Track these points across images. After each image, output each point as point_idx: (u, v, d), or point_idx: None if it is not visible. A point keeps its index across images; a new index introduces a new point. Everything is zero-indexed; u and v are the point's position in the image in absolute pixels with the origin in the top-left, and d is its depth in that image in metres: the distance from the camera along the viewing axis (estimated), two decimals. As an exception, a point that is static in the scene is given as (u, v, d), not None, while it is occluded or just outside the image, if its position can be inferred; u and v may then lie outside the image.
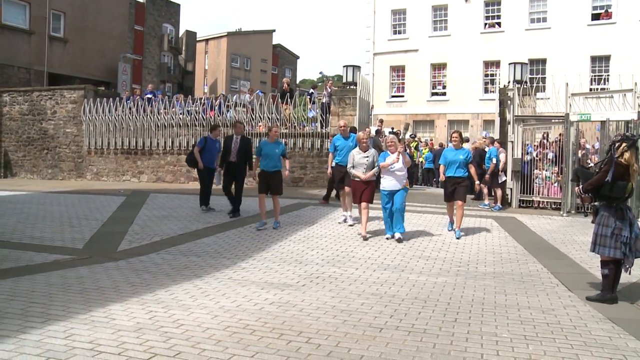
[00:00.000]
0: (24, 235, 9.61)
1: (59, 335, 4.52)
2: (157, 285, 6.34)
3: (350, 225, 10.95)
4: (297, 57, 70.40)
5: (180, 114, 21.19)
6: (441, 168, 10.57)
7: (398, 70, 32.05)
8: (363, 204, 9.80)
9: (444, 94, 31.01)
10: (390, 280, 6.81)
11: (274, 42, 63.80)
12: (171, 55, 45.32)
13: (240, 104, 21.30)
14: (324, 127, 19.06)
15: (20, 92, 24.69)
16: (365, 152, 9.91)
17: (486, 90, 29.59)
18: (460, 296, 6.11)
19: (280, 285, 6.44)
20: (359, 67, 19.52)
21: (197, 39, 54.30)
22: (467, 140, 19.55)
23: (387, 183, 9.55)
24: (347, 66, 19.02)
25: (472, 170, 10.34)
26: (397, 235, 9.44)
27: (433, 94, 31.26)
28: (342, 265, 7.64)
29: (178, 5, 45.59)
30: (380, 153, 10.02)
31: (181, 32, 48.37)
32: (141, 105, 21.74)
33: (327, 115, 19.02)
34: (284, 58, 66.16)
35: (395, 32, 32.09)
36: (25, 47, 27.77)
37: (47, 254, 8.08)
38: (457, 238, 9.79)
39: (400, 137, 10.40)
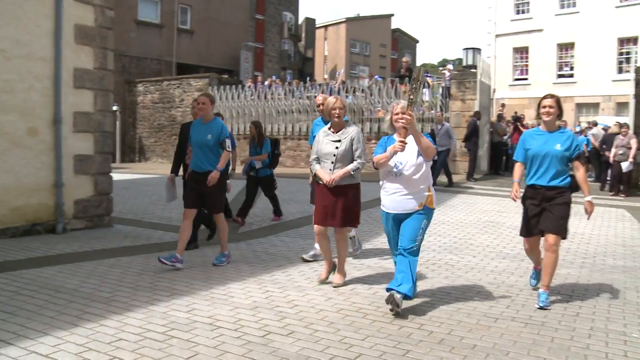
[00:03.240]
0: (154, 216, 10.28)
1: (182, 309, 4.80)
2: (274, 266, 6.54)
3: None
4: (417, 41, 69.26)
5: (300, 99, 21.66)
6: (516, 169, 5.58)
7: (521, 52, 30.56)
8: (335, 230, 5.70)
9: (571, 75, 29.17)
10: (508, 269, 6.57)
11: (393, 26, 63.15)
12: (291, 43, 46.25)
13: (359, 89, 21.36)
14: (443, 112, 18.67)
15: (152, 82, 26.37)
16: (337, 131, 5.68)
17: (620, 70, 27.47)
18: (584, 289, 5.76)
19: (395, 271, 6.42)
20: (479, 49, 19.00)
21: (316, 26, 54.93)
22: (596, 124, 18.25)
23: (387, 198, 5.02)
24: (467, 49, 18.62)
25: (581, 172, 5.29)
26: (396, 296, 4.67)
27: (559, 75, 29.51)
28: (460, 252, 7.47)
29: (297, -7, 46.35)
30: (383, 137, 5.24)
31: (300, 19, 49.17)
32: (262, 92, 22.45)
33: (447, 99, 18.61)
34: (403, 42, 65.34)
35: (518, 12, 30.60)
36: (156, 40, 29.55)
37: (174, 234, 8.55)
38: (541, 307, 5.03)
39: (412, 100, 4.87)
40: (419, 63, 75.34)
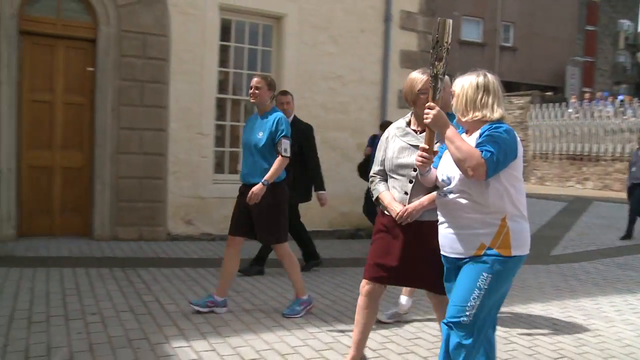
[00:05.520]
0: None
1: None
2: (582, 293, 6.23)
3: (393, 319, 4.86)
4: None
5: (632, 117, 19.74)
6: None
7: None
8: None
9: None
10: None
11: None
12: (628, 54, 42.13)
13: None
14: None
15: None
16: (424, 130, 3.15)
17: None
18: None
19: None
20: None
21: (662, 33, 48.95)
22: None
23: (442, 234, 2.98)
24: None
25: None
26: None
27: None
28: None
29: (637, -1, 42.12)
30: None
31: (640, 27, 44.49)
32: (588, 110, 21.05)
33: None
34: None
35: None
36: (478, 58, 30.00)
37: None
38: None
39: (436, 73, 2.92)
40: None
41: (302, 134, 6.33)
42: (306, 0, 8.68)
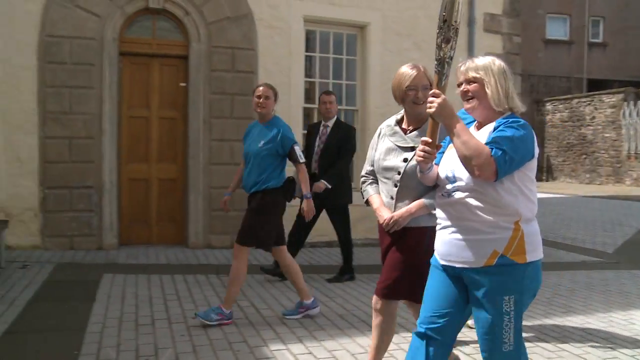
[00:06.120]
0: (558, 235, 10.25)
1: (577, 326, 4.83)
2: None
3: None
4: None
5: None
6: None
7: None
8: (375, 301, 3.28)
9: None
10: None
11: None
12: None
13: None
14: None
15: (560, 100, 25.96)
16: (416, 129, 3.17)
17: None
18: None
19: None
20: None
21: None
22: None
23: (438, 236, 2.68)
24: None
25: None
26: None
27: None
28: None
29: None
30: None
31: None
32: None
33: None
34: None
35: None
36: (564, 57, 28.92)
37: (576, 254, 8.49)
38: None
39: (443, 57, 2.60)
40: None
41: (343, 135, 6.37)
42: (389, 8, 8.75)
